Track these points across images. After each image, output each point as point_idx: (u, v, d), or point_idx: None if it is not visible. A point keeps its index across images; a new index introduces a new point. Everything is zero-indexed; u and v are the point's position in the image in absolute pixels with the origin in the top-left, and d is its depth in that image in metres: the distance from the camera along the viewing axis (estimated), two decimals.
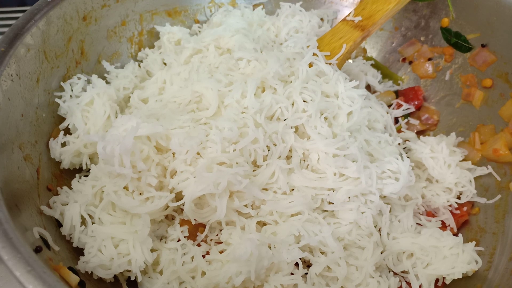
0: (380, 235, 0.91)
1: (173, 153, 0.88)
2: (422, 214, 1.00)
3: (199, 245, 0.89)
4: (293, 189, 0.90)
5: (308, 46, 1.08)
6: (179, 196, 0.87)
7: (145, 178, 0.85)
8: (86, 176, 0.94)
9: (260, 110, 0.93)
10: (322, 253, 0.86)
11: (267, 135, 0.91)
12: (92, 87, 1.04)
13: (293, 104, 0.97)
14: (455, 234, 0.97)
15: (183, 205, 0.85)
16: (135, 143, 0.83)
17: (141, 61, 1.22)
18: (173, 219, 0.92)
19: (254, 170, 0.90)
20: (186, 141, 0.85)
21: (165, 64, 1.19)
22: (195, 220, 0.87)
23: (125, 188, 0.86)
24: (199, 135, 0.87)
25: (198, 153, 0.87)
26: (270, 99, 0.95)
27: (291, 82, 1.02)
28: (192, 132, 0.88)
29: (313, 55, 1.04)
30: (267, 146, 0.91)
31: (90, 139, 0.88)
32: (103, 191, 0.87)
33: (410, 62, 1.29)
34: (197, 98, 0.97)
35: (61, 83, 1.03)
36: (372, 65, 1.28)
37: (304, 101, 0.97)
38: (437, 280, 0.89)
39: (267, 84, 0.99)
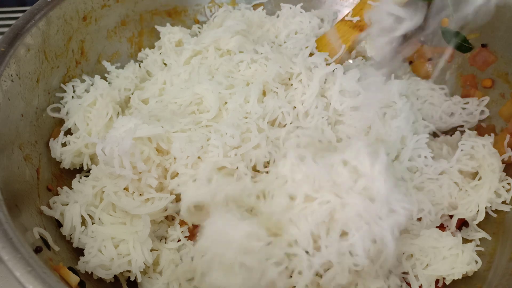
0: None
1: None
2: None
3: None
4: None
5: (306, 47, 1.08)
6: (179, 198, 0.87)
7: (145, 179, 0.85)
8: (87, 176, 0.94)
9: (263, 115, 0.93)
10: None
11: (269, 140, 0.91)
12: (95, 88, 1.04)
13: (294, 108, 0.98)
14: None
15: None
16: (136, 144, 0.83)
17: (141, 61, 1.22)
18: (173, 220, 0.92)
19: (252, 177, 0.90)
20: (187, 146, 0.85)
21: (165, 64, 1.19)
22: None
23: (125, 189, 0.86)
24: (200, 140, 0.87)
25: (199, 157, 0.87)
26: (273, 104, 0.95)
27: (291, 85, 1.02)
28: (194, 136, 0.88)
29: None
30: (269, 152, 0.91)
31: (90, 141, 0.88)
32: (103, 192, 0.87)
33: (410, 62, 1.28)
34: (198, 100, 0.97)
35: (64, 85, 1.03)
36: (372, 65, 1.27)
37: None
38: (437, 281, 0.89)
39: (267, 87, 0.99)
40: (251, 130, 0.90)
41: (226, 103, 0.96)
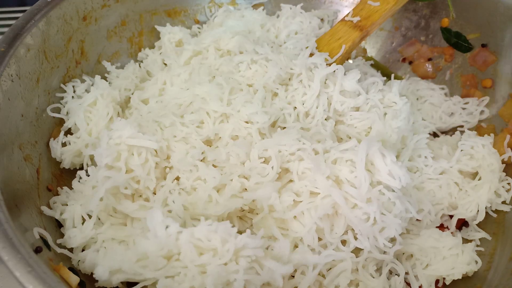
0: None
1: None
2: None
3: None
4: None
5: (307, 47, 1.08)
6: None
7: (144, 181, 0.84)
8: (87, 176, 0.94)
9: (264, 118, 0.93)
10: None
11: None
12: (96, 88, 1.04)
13: (295, 108, 0.98)
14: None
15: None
16: (133, 147, 0.83)
17: (141, 61, 1.22)
18: None
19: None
20: (187, 158, 0.85)
21: (165, 64, 1.19)
22: None
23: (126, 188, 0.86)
24: (201, 150, 0.87)
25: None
26: (275, 108, 0.95)
27: (292, 85, 1.02)
28: (193, 143, 0.89)
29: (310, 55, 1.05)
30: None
31: (90, 141, 0.89)
32: None
33: (410, 62, 1.29)
34: (198, 102, 0.96)
35: (64, 85, 1.03)
36: (372, 65, 1.28)
37: None
38: (437, 281, 0.89)
39: (268, 88, 0.99)
40: (252, 135, 0.90)
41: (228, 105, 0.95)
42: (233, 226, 0.74)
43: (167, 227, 0.72)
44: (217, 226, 0.72)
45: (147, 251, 0.71)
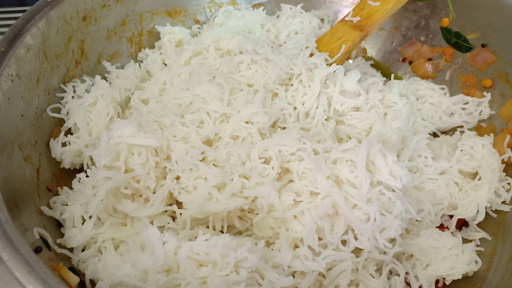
0: None
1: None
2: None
3: None
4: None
5: (307, 47, 1.08)
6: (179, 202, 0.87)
7: (144, 181, 0.84)
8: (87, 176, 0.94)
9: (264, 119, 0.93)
10: None
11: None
12: (96, 88, 1.04)
13: (295, 108, 0.98)
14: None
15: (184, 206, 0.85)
16: (133, 146, 0.83)
17: (141, 62, 1.22)
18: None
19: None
20: (187, 158, 0.85)
21: (165, 64, 1.19)
22: None
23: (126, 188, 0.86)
24: (200, 150, 0.87)
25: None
26: (275, 109, 0.95)
27: (292, 85, 1.02)
28: (193, 143, 0.89)
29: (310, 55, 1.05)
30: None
31: (90, 141, 0.89)
32: None
33: (410, 62, 1.29)
34: (198, 102, 0.96)
35: (64, 85, 1.03)
36: (371, 65, 1.28)
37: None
38: (437, 281, 0.89)
39: (268, 88, 0.99)
40: (253, 135, 0.90)
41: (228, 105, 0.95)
42: (233, 235, 0.74)
43: (164, 243, 0.72)
44: (216, 240, 0.72)
45: (146, 268, 0.72)
